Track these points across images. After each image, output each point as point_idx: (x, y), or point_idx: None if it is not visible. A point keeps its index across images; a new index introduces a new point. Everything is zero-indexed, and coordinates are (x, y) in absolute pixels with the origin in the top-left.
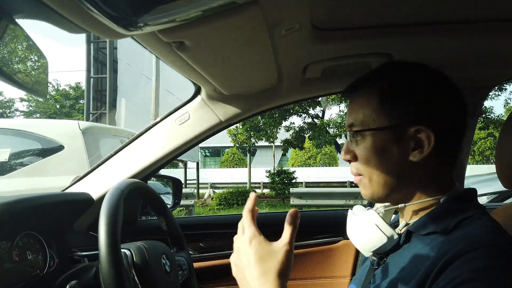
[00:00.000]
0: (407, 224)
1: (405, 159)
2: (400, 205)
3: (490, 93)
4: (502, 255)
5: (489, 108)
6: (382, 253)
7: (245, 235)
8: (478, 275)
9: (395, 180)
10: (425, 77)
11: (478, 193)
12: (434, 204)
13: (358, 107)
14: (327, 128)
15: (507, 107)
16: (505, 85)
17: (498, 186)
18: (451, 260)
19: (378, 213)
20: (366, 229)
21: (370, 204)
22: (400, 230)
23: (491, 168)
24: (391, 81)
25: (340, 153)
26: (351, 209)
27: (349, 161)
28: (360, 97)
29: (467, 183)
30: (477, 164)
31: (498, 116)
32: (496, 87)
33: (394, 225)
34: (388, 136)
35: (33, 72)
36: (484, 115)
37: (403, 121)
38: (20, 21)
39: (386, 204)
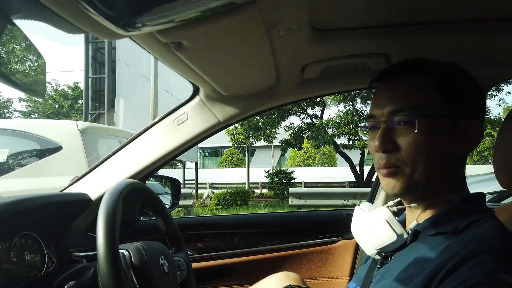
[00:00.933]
0: (417, 224)
1: (451, 152)
2: (413, 205)
3: (488, 93)
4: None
5: (487, 107)
6: (387, 252)
7: None
8: (487, 278)
9: (437, 173)
10: (468, 77)
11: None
12: (444, 204)
13: (411, 91)
14: (326, 128)
15: (506, 107)
16: (502, 85)
17: (497, 186)
18: (460, 263)
19: (390, 210)
20: (375, 226)
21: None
22: (410, 229)
23: (490, 168)
24: (447, 73)
25: (338, 153)
26: (358, 205)
27: (386, 151)
28: (413, 82)
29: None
30: (475, 164)
31: (496, 116)
32: (493, 87)
33: (402, 223)
34: (443, 124)
35: (31, 73)
36: None
37: (460, 113)
38: (18, 22)
39: (396, 200)
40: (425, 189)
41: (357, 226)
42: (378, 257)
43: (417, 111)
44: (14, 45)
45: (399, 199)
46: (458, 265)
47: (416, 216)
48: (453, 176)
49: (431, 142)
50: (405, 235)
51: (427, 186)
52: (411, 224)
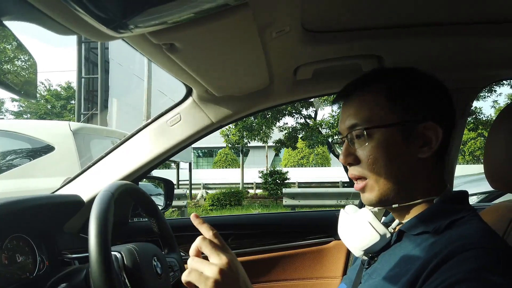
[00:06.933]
0: (400, 224)
1: (413, 157)
2: (394, 205)
3: (480, 94)
4: (494, 256)
5: (478, 108)
6: (373, 252)
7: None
8: (471, 275)
9: (403, 179)
10: (423, 78)
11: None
12: (426, 204)
13: (361, 107)
14: (320, 129)
15: (498, 107)
16: (494, 86)
17: (488, 186)
18: (444, 260)
19: (372, 212)
20: (359, 227)
21: (362, 205)
22: (393, 229)
23: (481, 168)
24: (396, 80)
25: (332, 153)
26: (343, 208)
27: (349, 165)
28: (362, 97)
29: (457, 183)
30: (467, 164)
31: (488, 117)
32: (485, 89)
33: (386, 224)
34: (397, 133)
35: (22, 73)
36: (474, 115)
37: (412, 118)
38: (9, 23)
39: None
40: (397, 195)
41: (342, 229)
42: (365, 257)
43: (366, 124)
44: (5, 46)
45: None
46: (442, 263)
47: (398, 217)
48: (425, 178)
49: (386, 152)
50: (388, 235)
51: (398, 193)
52: (394, 223)
